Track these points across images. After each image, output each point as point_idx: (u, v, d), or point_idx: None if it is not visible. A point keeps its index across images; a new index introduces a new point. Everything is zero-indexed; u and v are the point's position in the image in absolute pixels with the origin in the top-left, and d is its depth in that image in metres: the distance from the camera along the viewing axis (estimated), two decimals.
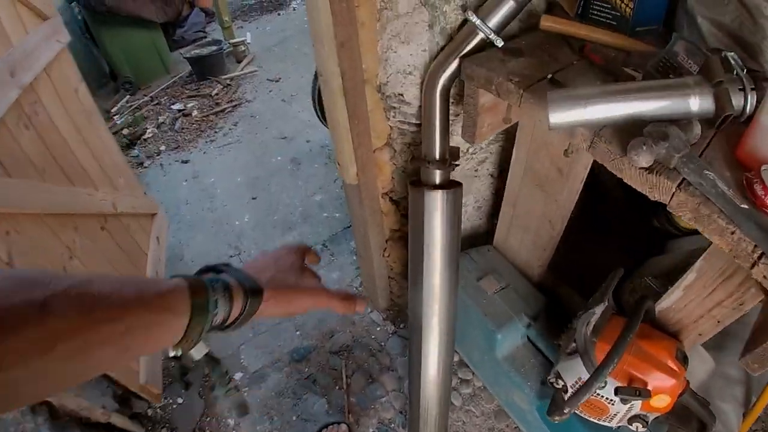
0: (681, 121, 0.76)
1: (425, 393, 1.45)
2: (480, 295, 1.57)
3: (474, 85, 1.07)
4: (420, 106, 1.23)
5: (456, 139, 1.40)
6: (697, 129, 0.76)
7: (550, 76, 0.97)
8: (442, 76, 1.11)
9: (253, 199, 2.85)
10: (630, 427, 1.17)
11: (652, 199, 0.80)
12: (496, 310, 1.54)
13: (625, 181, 0.83)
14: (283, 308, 0.57)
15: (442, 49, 1.16)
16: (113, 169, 2.06)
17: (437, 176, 1.17)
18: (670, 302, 1.11)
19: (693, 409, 1.14)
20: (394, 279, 1.90)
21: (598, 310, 1.13)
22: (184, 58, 4.14)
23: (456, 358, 1.94)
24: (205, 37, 4.74)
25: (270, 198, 2.85)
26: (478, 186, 1.69)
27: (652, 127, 0.76)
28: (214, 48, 4.11)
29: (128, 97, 4.19)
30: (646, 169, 0.77)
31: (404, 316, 2.09)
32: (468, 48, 1.08)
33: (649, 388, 1.06)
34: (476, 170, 1.61)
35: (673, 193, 0.76)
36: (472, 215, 1.81)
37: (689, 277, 0.99)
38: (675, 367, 1.06)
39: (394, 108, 1.25)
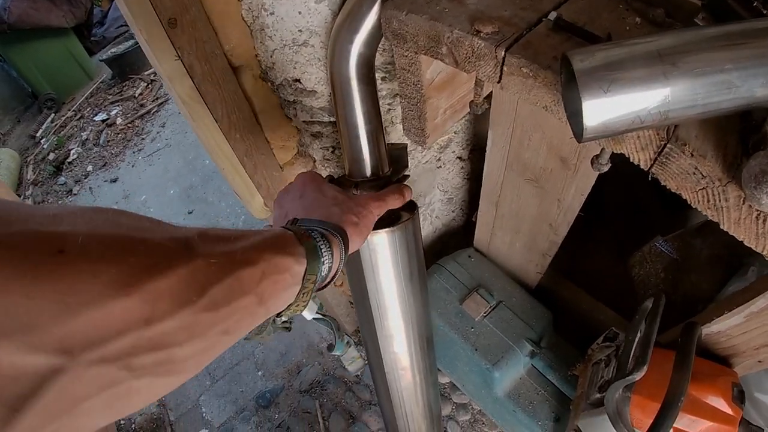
0: None
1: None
2: (466, 324, 1.11)
3: (410, 49, 0.56)
4: (331, 95, 0.71)
5: (399, 128, 0.89)
6: None
7: (553, 13, 0.45)
8: (356, 40, 0.60)
9: (189, 213, 2.37)
10: None
11: None
12: (490, 341, 1.09)
13: (723, 227, 0.38)
14: (360, 243, 0.50)
15: None
16: None
17: None
18: (723, 327, 0.77)
19: None
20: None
21: (639, 375, 0.71)
22: (101, 61, 3.47)
23: (446, 380, 1.51)
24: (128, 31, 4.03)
25: (208, 209, 2.34)
26: (444, 176, 1.19)
27: None
28: (131, 43, 3.43)
29: (53, 115, 3.56)
30: None
31: None
32: None
33: None
34: (438, 159, 1.11)
35: None
36: (441, 211, 1.32)
37: (759, 302, 0.66)
38: (732, 412, 0.75)
39: (293, 103, 0.72)
